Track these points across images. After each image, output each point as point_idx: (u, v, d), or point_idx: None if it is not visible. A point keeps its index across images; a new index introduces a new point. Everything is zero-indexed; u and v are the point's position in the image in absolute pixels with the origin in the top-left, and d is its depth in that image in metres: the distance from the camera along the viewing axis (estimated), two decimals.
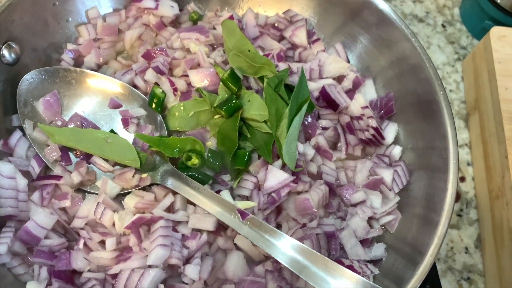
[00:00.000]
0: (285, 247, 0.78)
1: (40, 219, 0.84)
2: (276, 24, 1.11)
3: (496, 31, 1.21)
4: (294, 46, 1.11)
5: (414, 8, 1.46)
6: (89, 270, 0.83)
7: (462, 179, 1.21)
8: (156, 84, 1.00)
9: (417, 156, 0.97)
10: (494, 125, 1.13)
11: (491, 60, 1.18)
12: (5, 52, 0.92)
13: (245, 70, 0.98)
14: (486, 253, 1.10)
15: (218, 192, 0.90)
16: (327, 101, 0.99)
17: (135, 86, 1.01)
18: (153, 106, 0.98)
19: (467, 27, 1.43)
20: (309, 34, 1.11)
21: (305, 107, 0.91)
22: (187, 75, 0.98)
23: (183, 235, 0.84)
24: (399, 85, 1.01)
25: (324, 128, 0.99)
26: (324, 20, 1.12)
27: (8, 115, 0.94)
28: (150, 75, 1.00)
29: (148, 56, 1.02)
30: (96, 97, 1.00)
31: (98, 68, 1.06)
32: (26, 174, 0.90)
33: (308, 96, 0.94)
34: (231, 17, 1.05)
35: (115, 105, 0.99)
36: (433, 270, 1.01)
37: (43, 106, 0.95)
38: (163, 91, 0.98)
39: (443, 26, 1.43)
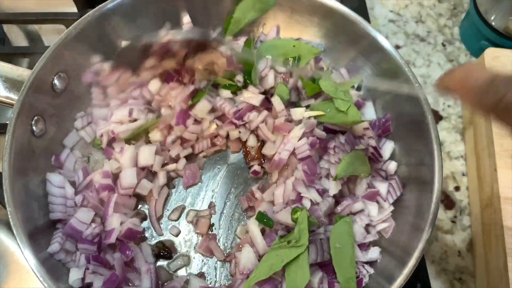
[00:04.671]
0: None
1: (81, 216, 0.99)
2: None
3: (490, 52, 1.31)
4: None
5: (416, 28, 1.57)
6: None
7: (457, 188, 1.32)
8: None
9: (409, 171, 1.08)
10: (485, 139, 1.24)
11: None
12: (56, 81, 1.07)
13: None
14: (477, 256, 1.22)
15: None
16: None
17: None
18: None
19: (466, 46, 1.53)
20: (316, 59, 1.23)
21: None
22: None
23: None
24: (395, 107, 1.13)
25: None
26: (331, 46, 1.23)
27: (59, 134, 1.10)
28: None
29: None
30: None
31: None
32: (73, 183, 1.06)
33: None
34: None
35: None
36: (424, 271, 1.14)
37: None
38: None
39: (443, 45, 1.54)
